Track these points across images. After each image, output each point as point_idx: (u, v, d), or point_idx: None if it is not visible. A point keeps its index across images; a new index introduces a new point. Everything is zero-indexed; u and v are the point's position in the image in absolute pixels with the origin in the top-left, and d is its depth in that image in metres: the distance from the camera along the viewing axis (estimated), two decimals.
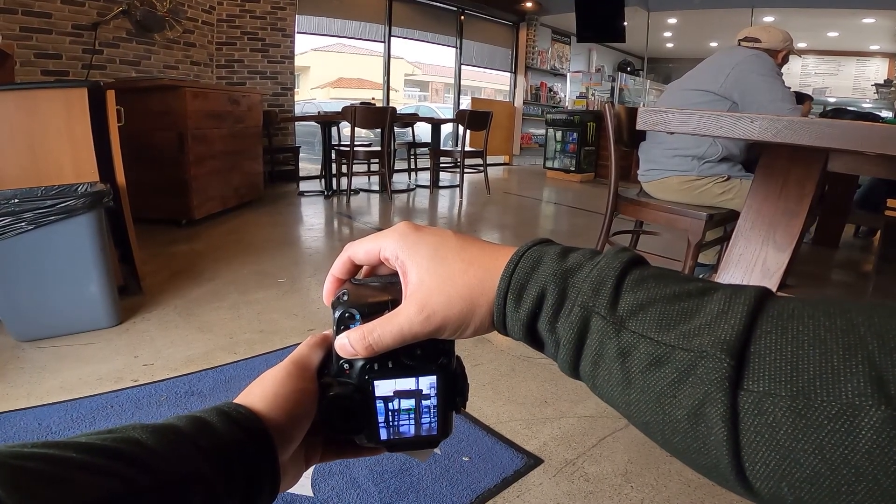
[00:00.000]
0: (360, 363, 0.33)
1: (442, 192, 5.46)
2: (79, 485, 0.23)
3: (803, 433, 0.19)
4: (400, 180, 5.95)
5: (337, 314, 0.33)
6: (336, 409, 0.33)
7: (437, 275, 0.30)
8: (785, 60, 2.16)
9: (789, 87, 1.93)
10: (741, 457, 0.21)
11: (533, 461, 1.21)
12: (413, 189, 5.49)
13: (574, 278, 0.27)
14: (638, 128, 0.97)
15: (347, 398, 0.33)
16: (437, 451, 0.33)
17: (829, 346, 0.20)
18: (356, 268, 0.36)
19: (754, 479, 0.21)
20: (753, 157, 2.02)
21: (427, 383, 0.33)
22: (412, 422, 0.34)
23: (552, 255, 0.29)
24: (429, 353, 0.33)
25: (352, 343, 0.32)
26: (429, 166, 5.66)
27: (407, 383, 0.33)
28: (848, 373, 0.19)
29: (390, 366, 0.33)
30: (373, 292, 0.34)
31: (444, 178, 6.14)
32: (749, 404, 0.21)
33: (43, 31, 3.48)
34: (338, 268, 0.36)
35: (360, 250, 0.34)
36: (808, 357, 0.20)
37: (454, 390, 0.34)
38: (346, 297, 0.33)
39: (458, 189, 5.47)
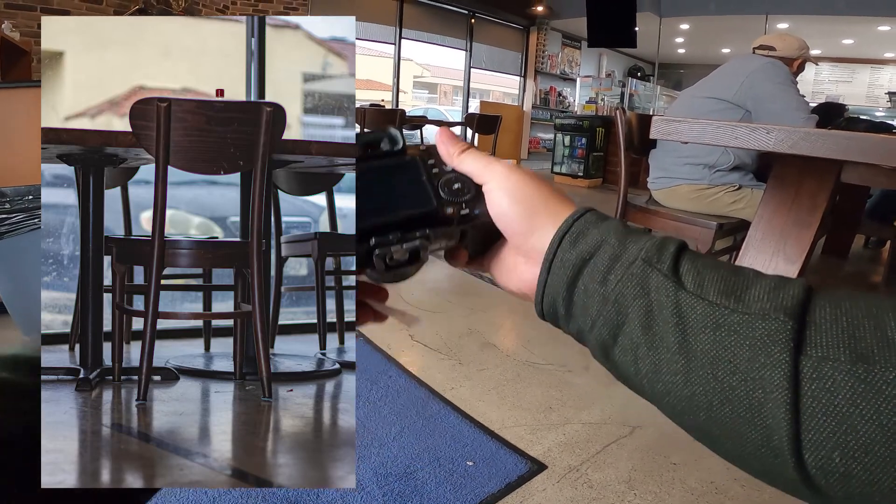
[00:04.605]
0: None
1: None
2: None
3: (863, 397, 0.19)
4: None
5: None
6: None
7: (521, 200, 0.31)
8: (801, 69, 2.15)
9: (804, 96, 1.92)
10: (800, 423, 0.21)
11: (537, 467, 1.21)
12: None
13: (635, 237, 0.28)
14: (651, 136, 0.96)
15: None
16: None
17: (882, 320, 0.21)
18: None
19: (807, 448, 0.20)
20: (765, 166, 2.01)
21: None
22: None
23: (614, 220, 0.29)
24: (461, 191, 0.32)
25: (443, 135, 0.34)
26: None
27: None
28: None
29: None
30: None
31: None
32: (808, 369, 0.21)
33: None
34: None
35: (470, 160, 0.33)
36: (863, 327, 0.21)
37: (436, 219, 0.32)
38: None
39: None
